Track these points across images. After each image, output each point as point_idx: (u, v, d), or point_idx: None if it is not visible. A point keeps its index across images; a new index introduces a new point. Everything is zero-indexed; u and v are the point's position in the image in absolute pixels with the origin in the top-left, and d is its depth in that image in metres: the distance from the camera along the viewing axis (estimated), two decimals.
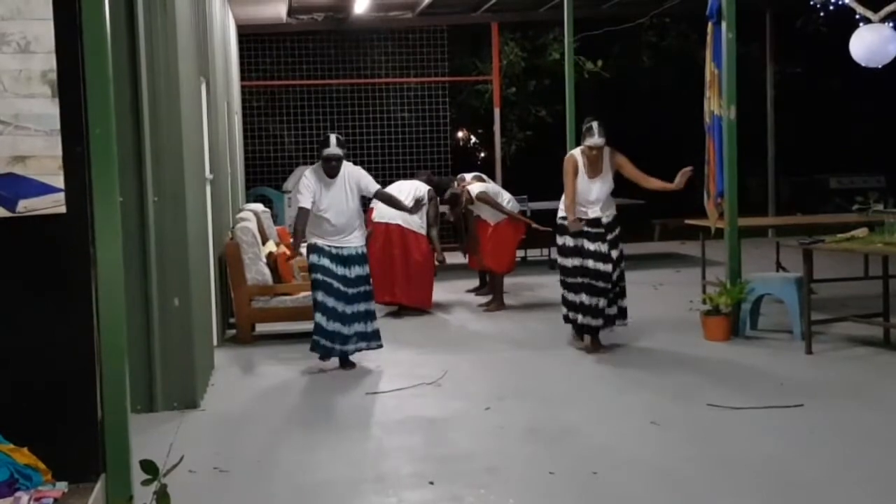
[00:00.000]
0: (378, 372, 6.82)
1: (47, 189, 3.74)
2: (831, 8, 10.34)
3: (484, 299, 9.66)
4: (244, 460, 4.90)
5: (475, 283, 10.38)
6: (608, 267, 7.02)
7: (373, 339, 6.91)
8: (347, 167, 6.80)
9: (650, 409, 5.64)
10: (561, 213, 7.26)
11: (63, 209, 3.75)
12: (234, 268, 7.77)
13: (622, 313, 7.22)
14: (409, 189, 9.02)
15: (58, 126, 3.73)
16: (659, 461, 4.75)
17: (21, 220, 3.72)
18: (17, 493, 3.45)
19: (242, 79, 13.56)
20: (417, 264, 8.90)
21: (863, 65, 8.12)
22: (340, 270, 6.74)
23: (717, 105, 7.75)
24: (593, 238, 7.06)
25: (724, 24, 7.57)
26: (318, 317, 6.73)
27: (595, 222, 7.07)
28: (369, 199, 7.64)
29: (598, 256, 7.02)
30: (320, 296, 6.74)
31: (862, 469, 4.59)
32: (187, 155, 5.86)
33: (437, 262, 9.10)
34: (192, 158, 6.16)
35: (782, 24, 15.67)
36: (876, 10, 8.00)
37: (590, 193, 7.05)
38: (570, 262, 7.16)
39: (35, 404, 3.77)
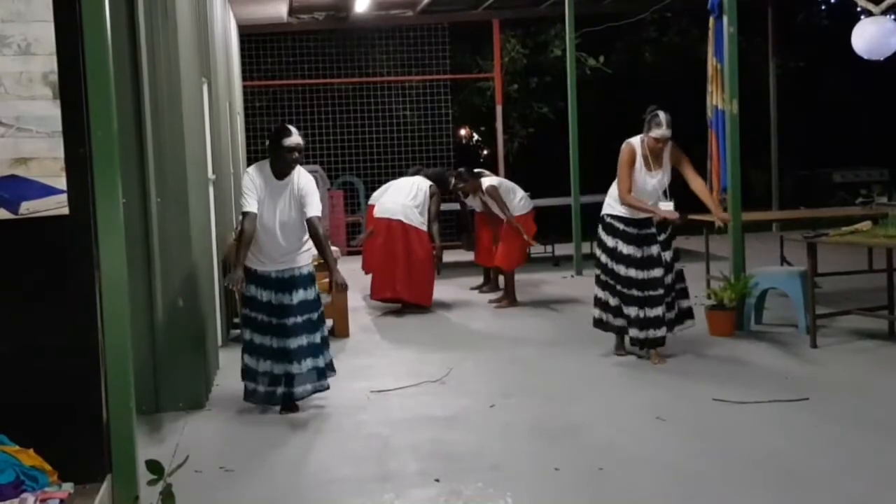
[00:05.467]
0: (383, 370, 6.82)
1: (50, 191, 3.74)
2: (832, 1, 10.33)
3: (489, 296, 9.65)
4: (250, 460, 4.91)
5: (479, 280, 10.38)
6: (660, 272, 6.53)
7: (323, 375, 5.80)
8: (299, 171, 5.65)
9: (655, 404, 5.64)
10: (610, 210, 6.65)
11: (66, 211, 3.75)
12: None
13: (685, 314, 6.83)
14: (408, 188, 9.02)
15: (59, 128, 3.73)
16: (664, 456, 4.74)
17: (24, 222, 3.73)
18: (24, 495, 3.45)
19: (244, 79, 13.57)
20: (419, 261, 8.85)
21: (865, 58, 8.12)
22: (277, 298, 5.64)
23: (720, 99, 7.76)
24: (643, 242, 6.55)
25: (725, 19, 7.56)
26: (247, 358, 5.76)
27: (647, 222, 6.58)
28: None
29: (650, 262, 6.52)
30: (247, 334, 5.75)
31: (867, 462, 4.58)
32: (189, 156, 5.86)
33: (435, 257, 8.99)
34: (195, 159, 6.15)
35: (784, 18, 15.66)
36: (877, 2, 8.00)
37: (648, 186, 6.52)
38: (628, 271, 6.55)
39: (40, 406, 3.77)
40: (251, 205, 5.54)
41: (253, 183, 5.58)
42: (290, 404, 5.75)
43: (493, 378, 6.49)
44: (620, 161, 6.53)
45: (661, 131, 6.40)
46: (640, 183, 6.53)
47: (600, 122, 14.77)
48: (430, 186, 9.01)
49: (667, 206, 6.53)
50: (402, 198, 8.94)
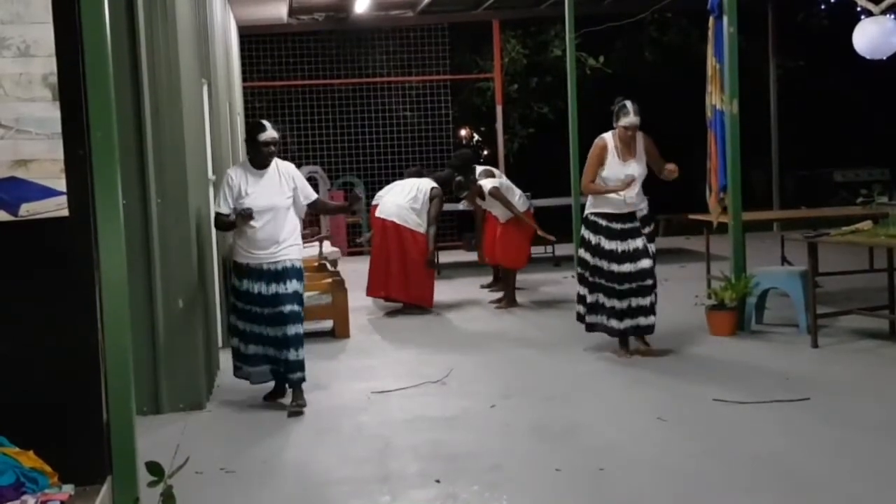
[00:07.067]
0: (383, 371, 6.82)
1: (49, 192, 3.73)
2: (832, 1, 10.34)
3: (496, 296, 9.63)
4: (250, 461, 4.90)
5: (479, 280, 10.38)
6: (648, 262, 6.61)
7: (304, 366, 5.87)
8: (279, 161, 5.90)
9: (656, 405, 5.63)
10: (592, 209, 6.74)
11: (66, 212, 3.75)
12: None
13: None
14: (408, 189, 9.01)
15: (59, 129, 3.73)
16: (665, 457, 4.74)
17: (24, 224, 3.72)
18: (24, 497, 3.45)
19: (244, 80, 13.57)
20: (415, 262, 8.80)
21: (866, 57, 8.12)
22: (270, 289, 5.74)
23: (719, 99, 7.74)
24: (628, 236, 6.62)
25: (725, 19, 7.55)
26: (242, 346, 5.94)
27: (630, 217, 6.67)
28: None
29: (636, 255, 6.58)
30: (233, 320, 5.95)
31: (868, 462, 4.57)
32: (189, 156, 5.86)
33: (427, 261, 8.85)
34: (195, 160, 6.15)
35: (784, 18, 15.67)
36: (877, 2, 8.00)
37: (623, 178, 6.59)
38: (611, 266, 6.62)
39: (40, 407, 3.77)
40: (222, 207, 5.80)
41: (230, 184, 5.79)
42: (296, 409, 5.74)
43: (493, 379, 6.49)
44: (590, 154, 6.70)
45: (628, 119, 6.52)
46: (617, 174, 6.61)
47: (600, 122, 14.76)
48: (433, 189, 8.95)
49: (632, 198, 6.64)
50: (401, 199, 8.93)
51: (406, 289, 8.87)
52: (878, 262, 8.46)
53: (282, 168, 5.88)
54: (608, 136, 6.70)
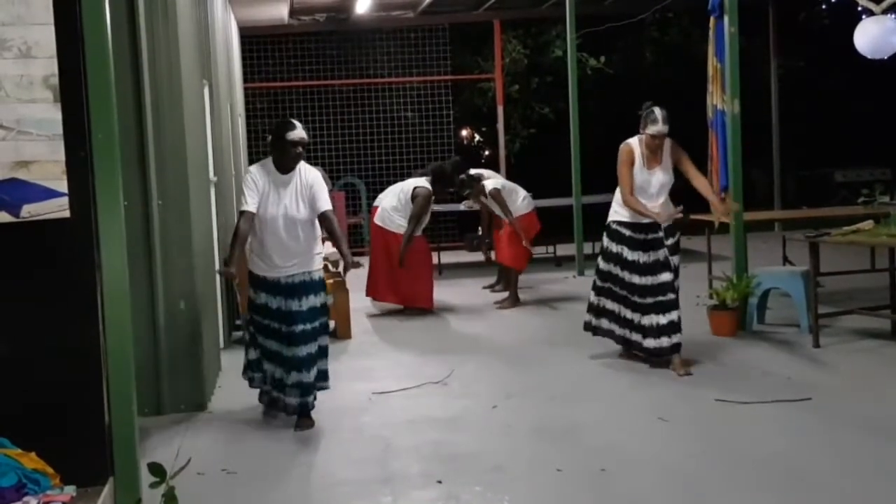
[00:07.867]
0: (385, 372, 6.82)
1: (51, 194, 3.74)
2: (833, 0, 10.34)
3: (499, 296, 9.62)
4: (252, 462, 4.91)
5: (481, 281, 10.36)
6: (668, 276, 6.35)
7: (325, 377, 5.62)
8: (304, 167, 5.45)
9: (657, 405, 5.63)
10: (616, 217, 6.52)
11: (67, 214, 3.76)
12: (239, 269, 7.75)
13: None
14: (393, 192, 9.01)
15: (60, 131, 3.74)
16: (667, 457, 4.74)
17: (25, 226, 3.73)
18: (26, 498, 3.46)
19: (245, 81, 13.57)
20: (405, 265, 8.76)
21: (868, 57, 8.12)
22: (286, 305, 5.42)
23: (720, 99, 7.74)
24: (650, 247, 6.38)
25: (726, 19, 7.55)
26: (253, 353, 5.71)
27: (654, 227, 6.39)
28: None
29: (656, 267, 6.35)
30: (260, 338, 5.61)
31: (870, 463, 4.57)
32: (191, 157, 5.85)
33: (399, 259, 8.70)
34: (196, 161, 6.15)
35: (785, 18, 15.68)
36: (878, 2, 8.00)
37: (650, 186, 6.35)
38: (632, 278, 6.42)
39: (42, 409, 3.78)
40: (249, 204, 5.31)
41: (254, 181, 5.34)
42: (305, 418, 5.50)
43: (494, 379, 6.49)
44: (620, 162, 6.41)
45: (657, 128, 6.25)
46: (642, 183, 6.39)
47: (602, 122, 14.79)
48: (415, 188, 8.82)
49: (665, 209, 6.42)
50: (388, 202, 8.94)
51: (396, 292, 8.86)
52: (880, 262, 8.46)
53: (303, 173, 5.42)
54: (634, 143, 6.41)
